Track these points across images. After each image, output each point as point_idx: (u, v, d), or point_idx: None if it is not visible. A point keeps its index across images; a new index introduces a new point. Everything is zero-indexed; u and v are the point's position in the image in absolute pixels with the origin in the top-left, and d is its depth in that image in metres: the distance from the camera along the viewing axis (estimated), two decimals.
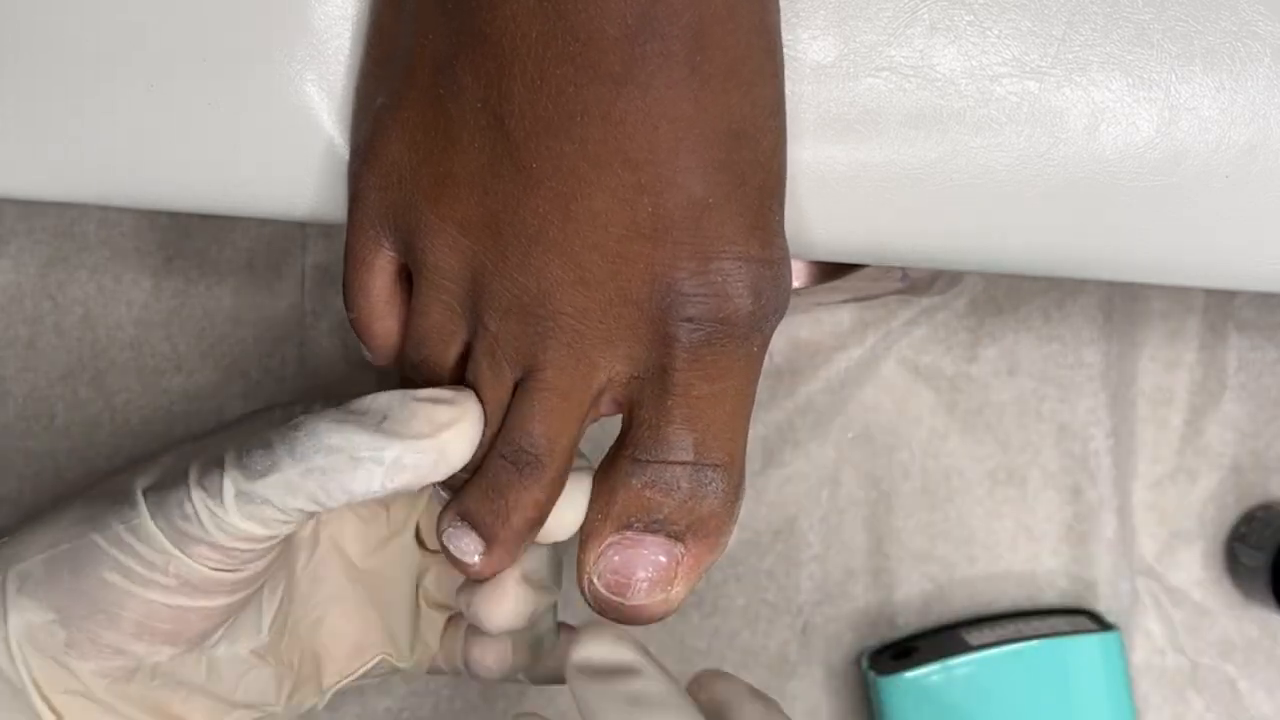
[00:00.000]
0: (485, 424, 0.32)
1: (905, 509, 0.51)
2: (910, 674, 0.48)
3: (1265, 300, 0.51)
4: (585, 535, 0.32)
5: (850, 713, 0.52)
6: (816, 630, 0.52)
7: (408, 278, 0.33)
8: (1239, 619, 0.52)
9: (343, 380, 0.50)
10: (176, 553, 0.32)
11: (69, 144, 0.33)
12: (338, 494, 0.31)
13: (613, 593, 0.31)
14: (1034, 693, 0.48)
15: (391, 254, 0.32)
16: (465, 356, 0.32)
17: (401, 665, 0.40)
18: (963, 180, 0.33)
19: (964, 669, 0.48)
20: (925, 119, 0.32)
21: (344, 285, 0.33)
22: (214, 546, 0.32)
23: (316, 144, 0.33)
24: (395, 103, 0.31)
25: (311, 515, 0.32)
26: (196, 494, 0.31)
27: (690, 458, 0.30)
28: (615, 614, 0.31)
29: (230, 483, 0.31)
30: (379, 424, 0.31)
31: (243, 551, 0.32)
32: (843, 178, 0.33)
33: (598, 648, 0.33)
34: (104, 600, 0.32)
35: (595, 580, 0.31)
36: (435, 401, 0.31)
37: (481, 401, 0.32)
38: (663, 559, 0.31)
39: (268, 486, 0.31)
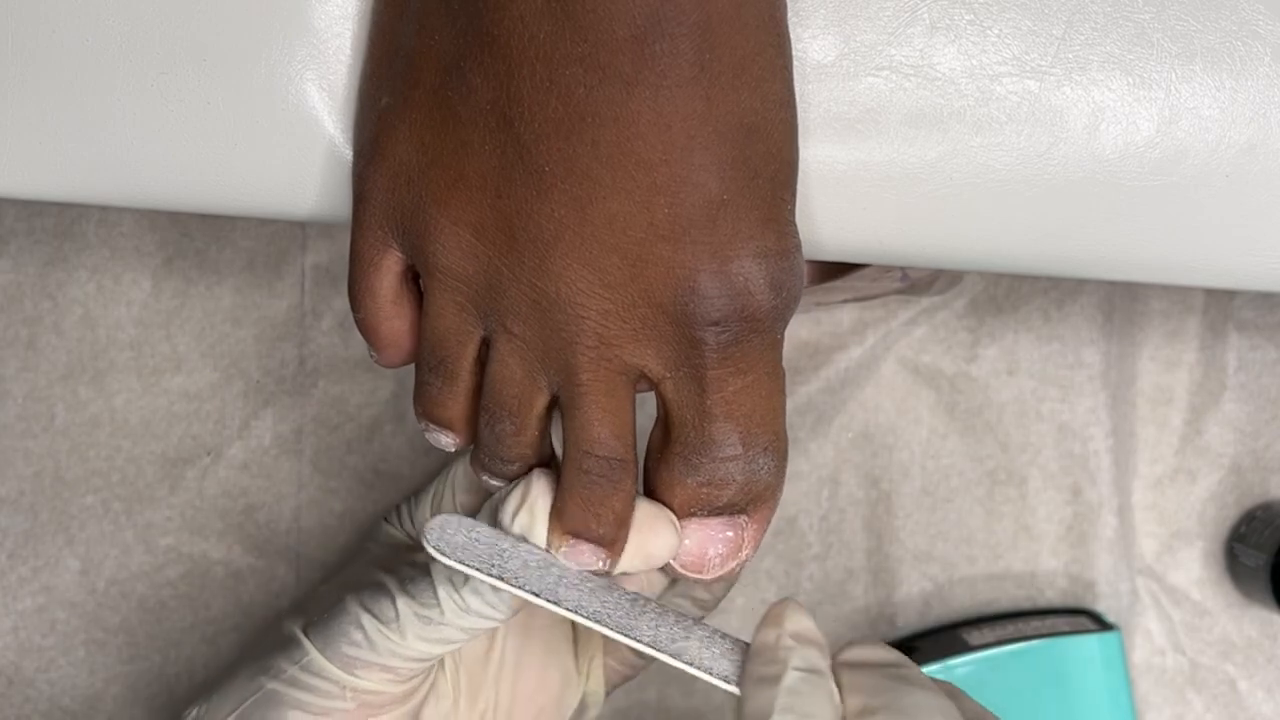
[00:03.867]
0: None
1: (905, 509, 0.51)
2: None
3: (1265, 300, 0.51)
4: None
5: None
6: None
7: (414, 278, 0.32)
8: (1239, 619, 0.52)
9: (344, 380, 0.51)
10: (349, 678, 0.35)
11: (69, 144, 0.33)
12: (501, 609, 0.33)
13: (691, 570, 0.33)
14: (1034, 693, 0.48)
15: (399, 255, 0.32)
16: (479, 358, 0.32)
17: (575, 700, 0.41)
18: (963, 180, 0.33)
19: (964, 669, 0.48)
20: (925, 118, 0.32)
21: (350, 286, 0.33)
22: (384, 668, 0.35)
23: (317, 144, 0.33)
24: (401, 103, 0.31)
25: (489, 630, 0.34)
26: (368, 620, 0.34)
27: (740, 451, 0.31)
28: (694, 582, 0.33)
29: (406, 607, 0.34)
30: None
31: (410, 668, 0.35)
32: (843, 177, 0.33)
33: (873, 651, 0.33)
34: None
35: (673, 561, 0.33)
36: (509, 493, 0.33)
37: (521, 404, 0.32)
38: (730, 534, 0.32)
39: (446, 614, 0.33)
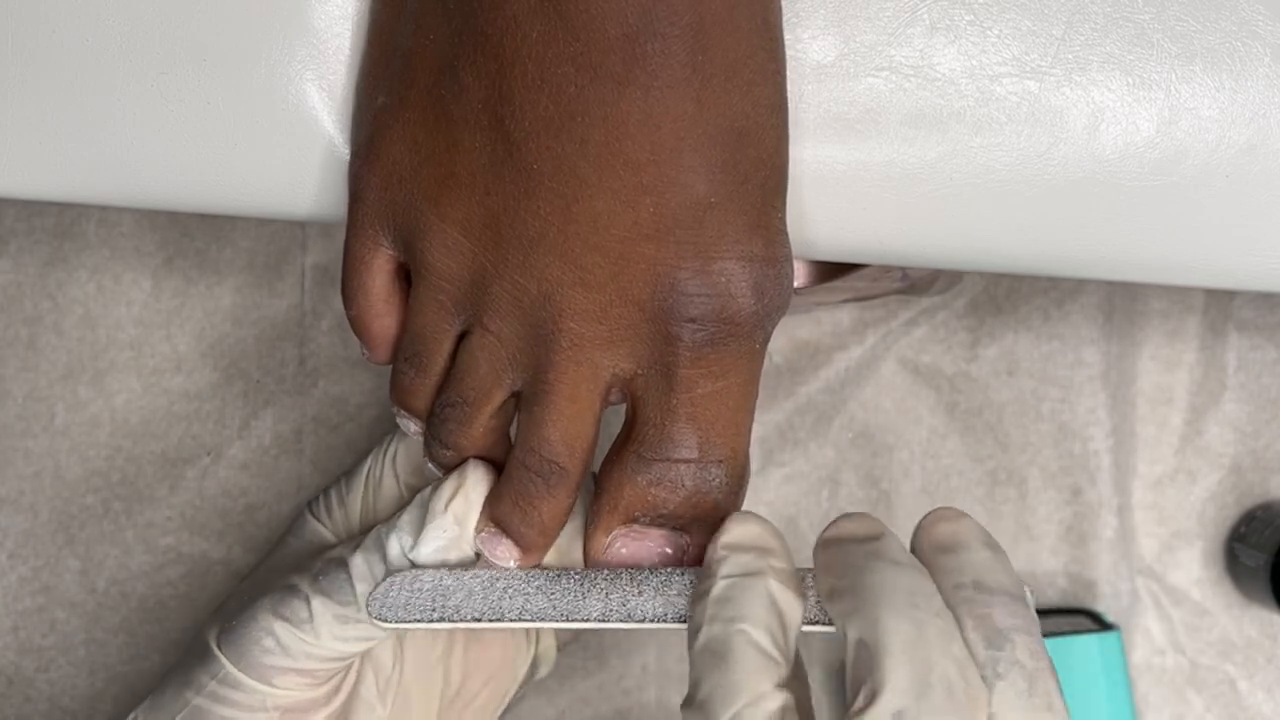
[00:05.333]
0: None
1: (905, 509, 0.51)
2: None
3: (1265, 300, 0.51)
4: (592, 525, 0.32)
5: None
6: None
7: (406, 276, 0.33)
8: (1239, 619, 0.52)
9: (344, 380, 0.51)
10: (265, 688, 0.34)
11: (69, 144, 0.33)
12: None
13: None
14: None
15: (391, 253, 0.32)
16: (454, 353, 0.32)
17: (528, 661, 0.41)
18: (963, 180, 0.33)
19: None
20: (925, 119, 0.32)
21: (343, 283, 0.33)
22: (300, 672, 0.34)
23: (316, 144, 0.33)
24: (396, 102, 0.31)
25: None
26: (279, 626, 0.34)
27: (695, 455, 0.31)
28: None
29: (322, 607, 0.33)
30: (416, 522, 0.33)
31: (327, 669, 0.34)
32: (843, 177, 0.33)
33: (849, 525, 0.31)
34: None
35: None
36: (442, 482, 0.33)
37: (477, 396, 0.32)
38: (669, 551, 0.31)
39: (364, 609, 0.33)
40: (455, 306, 0.31)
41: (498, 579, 0.32)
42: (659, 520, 0.31)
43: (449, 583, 0.32)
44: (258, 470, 0.50)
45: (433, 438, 0.33)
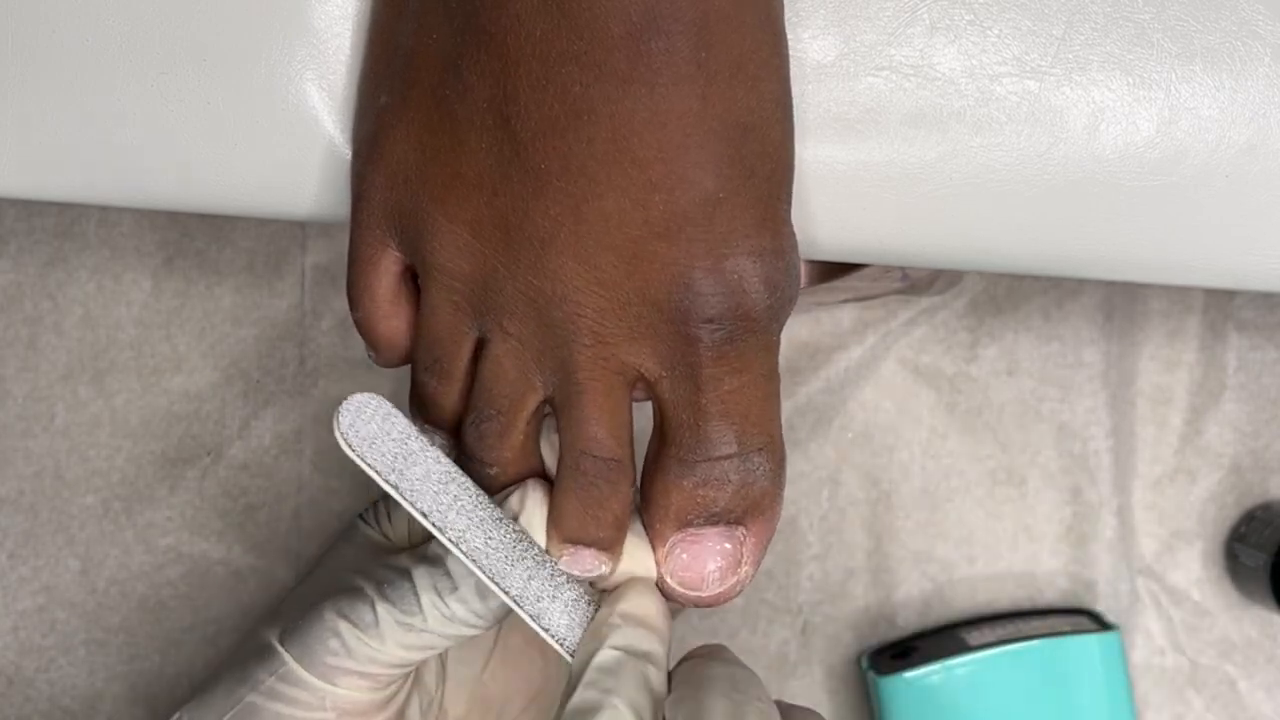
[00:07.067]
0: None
1: (905, 509, 0.51)
2: (910, 674, 0.48)
3: (1265, 300, 0.51)
4: (649, 537, 0.32)
5: (850, 713, 0.52)
6: (816, 630, 0.52)
7: (412, 277, 0.32)
8: (1239, 619, 0.52)
9: (344, 380, 0.51)
10: (328, 687, 0.34)
11: (69, 144, 0.33)
12: (487, 616, 0.33)
13: (688, 587, 0.32)
14: (1034, 692, 0.48)
15: (397, 254, 0.32)
16: (475, 358, 0.32)
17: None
18: (963, 180, 0.33)
19: (964, 669, 0.48)
20: (925, 118, 0.32)
21: (348, 285, 0.33)
22: (362, 675, 0.34)
23: (317, 144, 0.33)
24: (399, 102, 0.31)
25: (471, 637, 0.34)
26: (344, 628, 0.34)
27: (735, 450, 0.31)
28: (694, 603, 0.32)
29: (386, 614, 0.33)
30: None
31: (389, 674, 0.34)
32: (843, 177, 0.33)
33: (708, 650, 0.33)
34: None
35: (669, 579, 0.32)
36: (506, 499, 0.33)
37: (511, 403, 0.32)
38: (728, 546, 0.32)
39: (429, 622, 0.33)
40: (470, 307, 0.31)
41: (453, 479, 0.31)
42: (712, 519, 0.31)
43: (414, 447, 0.31)
44: (258, 470, 0.50)
45: (471, 457, 0.33)
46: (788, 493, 0.51)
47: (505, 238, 0.30)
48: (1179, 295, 0.51)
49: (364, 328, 0.33)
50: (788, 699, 0.50)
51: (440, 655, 0.38)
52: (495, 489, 0.33)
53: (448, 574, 0.33)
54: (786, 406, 0.51)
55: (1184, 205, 0.33)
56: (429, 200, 0.30)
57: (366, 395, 0.31)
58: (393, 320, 0.33)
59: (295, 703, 0.34)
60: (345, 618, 0.34)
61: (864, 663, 0.51)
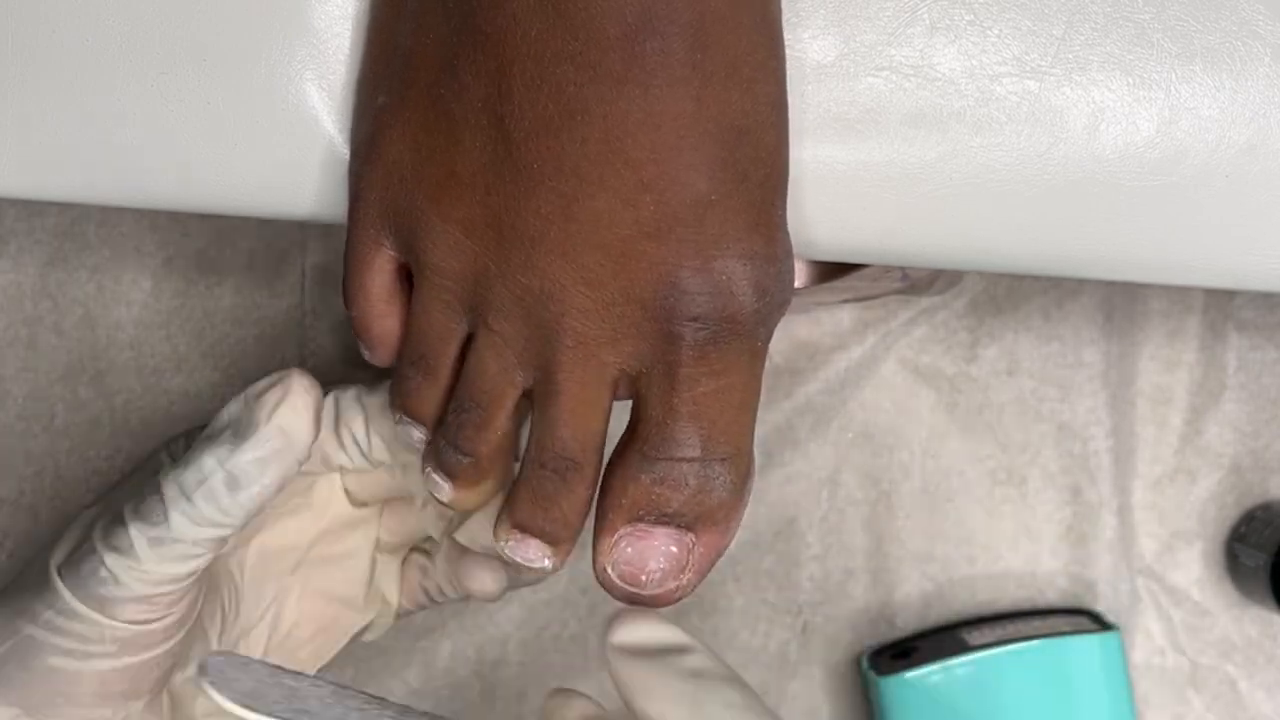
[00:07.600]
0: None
1: (905, 509, 0.51)
2: (910, 674, 0.48)
3: (1265, 300, 0.51)
4: (598, 525, 0.32)
5: (850, 713, 0.52)
6: (816, 630, 0.52)
7: (407, 276, 0.33)
8: (1239, 619, 0.52)
9: (344, 380, 0.51)
10: (107, 621, 0.33)
11: (69, 144, 0.33)
12: (235, 512, 0.33)
13: (627, 582, 0.32)
14: (1034, 693, 0.48)
15: (392, 253, 0.32)
16: (462, 356, 0.32)
17: (363, 623, 0.41)
18: (963, 180, 0.33)
19: (964, 669, 0.48)
20: (925, 118, 0.32)
21: (344, 284, 0.33)
22: (138, 600, 0.33)
23: (316, 144, 0.33)
24: (396, 102, 0.31)
25: (224, 539, 0.34)
26: (109, 557, 0.33)
27: (697, 454, 0.31)
28: (630, 601, 0.32)
29: (138, 533, 0.33)
30: (234, 433, 0.33)
31: (166, 595, 0.34)
32: (843, 177, 0.33)
33: (643, 629, 0.33)
34: (58, 683, 0.34)
35: (610, 570, 0.32)
36: (266, 390, 0.33)
37: (491, 398, 0.32)
38: (674, 549, 0.31)
39: (173, 529, 0.33)
40: (460, 306, 0.31)
41: (338, 693, 0.31)
42: (663, 519, 0.31)
43: (289, 680, 0.31)
44: None
45: (447, 445, 0.33)
46: (787, 493, 0.51)
47: (497, 236, 0.30)
48: (1179, 295, 0.51)
49: (359, 326, 0.33)
50: (788, 699, 0.50)
51: (236, 583, 0.38)
52: (468, 479, 0.33)
53: (199, 470, 0.33)
54: (786, 407, 0.51)
55: (1184, 205, 0.33)
56: (424, 199, 0.30)
57: (214, 657, 0.31)
58: (387, 320, 0.33)
59: (75, 636, 0.34)
60: (110, 547, 0.33)
61: (864, 663, 0.51)
